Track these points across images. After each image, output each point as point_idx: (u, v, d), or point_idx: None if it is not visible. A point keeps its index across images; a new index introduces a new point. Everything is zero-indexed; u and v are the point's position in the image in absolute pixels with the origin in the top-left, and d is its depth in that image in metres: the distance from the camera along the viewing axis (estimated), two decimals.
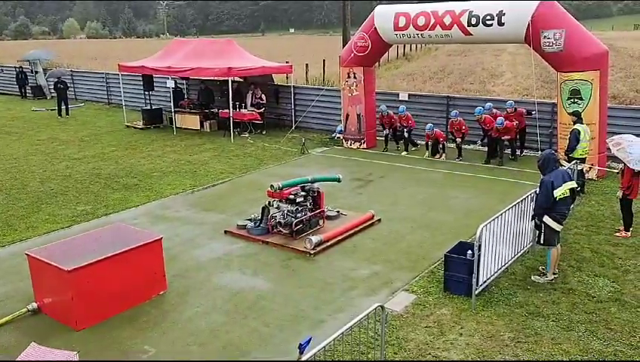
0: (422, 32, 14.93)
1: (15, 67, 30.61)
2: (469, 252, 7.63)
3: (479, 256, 7.26)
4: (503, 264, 8.19)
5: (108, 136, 19.35)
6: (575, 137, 11.51)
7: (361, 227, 10.35)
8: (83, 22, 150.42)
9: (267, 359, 6.42)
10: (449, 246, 8.38)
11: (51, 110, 24.26)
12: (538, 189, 8.10)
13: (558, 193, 7.87)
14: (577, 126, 11.65)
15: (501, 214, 7.75)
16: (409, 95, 18.41)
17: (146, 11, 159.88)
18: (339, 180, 11.09)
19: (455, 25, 14.28)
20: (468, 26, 14.11)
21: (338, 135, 17.85)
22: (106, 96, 26.89)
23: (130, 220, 10.75)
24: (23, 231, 10.50)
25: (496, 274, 7.98)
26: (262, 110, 19.71)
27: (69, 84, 24.80)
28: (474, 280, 7.33)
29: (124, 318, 7.29)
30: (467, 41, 15.19)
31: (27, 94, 29.69)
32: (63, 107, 23.62)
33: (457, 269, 7.73)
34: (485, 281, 7.66)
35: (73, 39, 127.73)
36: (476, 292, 7.42)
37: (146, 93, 21.91)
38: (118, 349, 6.69)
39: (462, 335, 6.81)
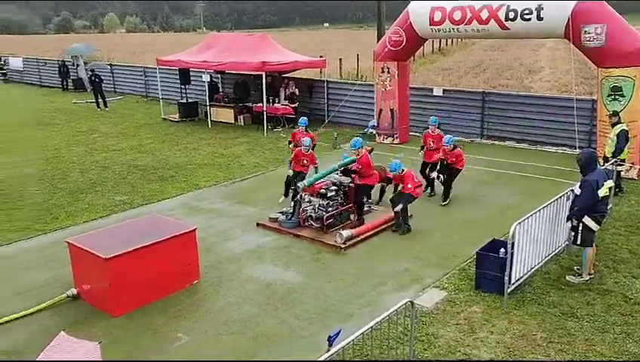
0: (458, 27, 14.73)
1: (57, 60, 31.53)
2: (502, 250, 7.54)
3: (512, 254, 7.17)
4: (537, 263, 8.06)
5: (145, 129, 19.77)
6: (625, 137, 11.20)
7: (392, 223, 10.33)
8: (122, 16, 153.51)
9: (275, 359, 6.51)
10: (481, 243, 8.29)
11: (90, 102, 24.93)
12: (579, 189, 7.91)
13: (602, 192, 7.70)
14: (622, 126, 11.33)
15: (536, 212, 7.63)
16: (444, 90, 18.20)
17: (183, 7, 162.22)
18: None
19: (492, 19, 14.04)
20: (505, 20, 13.86)
21: (371, 130, 17.80)
22: (144, 90, 27.45)
23: (166, 211, 10.99)
24: (63, 220, 10.86)
25: (529, 273, 7.87)
26: (295, 104, 19.81)
27: (103, 77, 25.36)
28: (506, 278, 7.25)
29: (158, 306, 7.49)
30: (504, 35, 14.92)
31: (69, 87, 30.54)
32: (101, 100, 24.24)
33: (489, 267, 7.65)
34: (518, 280, 7.56)
35: (113, 33, 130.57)
36: (508, 290, 7.33)
37: (183, 86, 22.27)
38: (152, 336, 6.88)
39: (493, 333, 6.76)
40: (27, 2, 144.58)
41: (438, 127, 12.42)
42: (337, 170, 10.55)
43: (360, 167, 10.23)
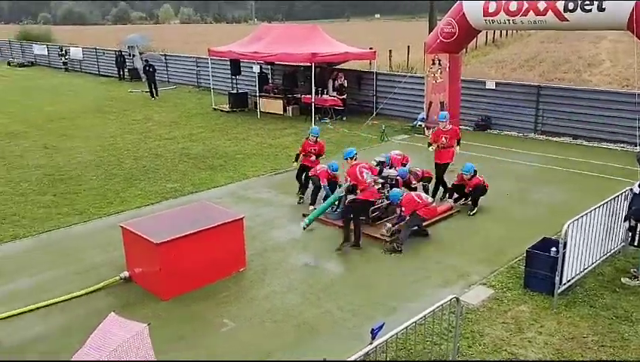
0: (513, 18, 14.29)
1: (115, 51, 32.60)
2: (554, 249, 7.32)
3: (564, 253, 6.95)
4: (590, 263, 7.78)
5: (196, 118, 20.20)
6: None
7: (439, 217, 10.19)
8: (177, 8, 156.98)
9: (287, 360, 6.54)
10: (531, 241, 8.06)
11: (145, 92, 25.68)
12: (639, 188, 7.56)
13: None
14: None
15: (591, 211, 7.35)
16: (496, 83, 17.74)
17: None
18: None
19: (550, 10, 13.54)
20: (564, 11, 13.34)
21: (420, 123, 17.57)
22: (196, 80, 28.02)
23: (215, 199, 11.23)
24: (117, 205, 11.28)
25: (581, 274, 7.61)
26: (344, 96, 19.77)
27: (157, 67, 26.02)
28: (557, 278, 7.04)
29: (205, 292, 7.68)
30: (562, 27, 14.38)
31: (125, 76, 31.54)
32: (153, 89, 24.92)
33: (540, 266, 7.44)
34: (569, 280, 7.33)
35: (168, 24, 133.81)
36: (559, 291, 7.12)
37: (233, 77, 22.60)
38: (199, 320, 7.07)
39: (541, 334, 6.58)
40: None
41: (449, 123, 11.40)
42: (336, 200, 9.75)
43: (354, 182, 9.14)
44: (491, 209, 10.78)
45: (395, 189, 9.89)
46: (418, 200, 9.37)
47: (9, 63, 41.51)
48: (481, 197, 10.70)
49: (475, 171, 10.64)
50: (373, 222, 9.78)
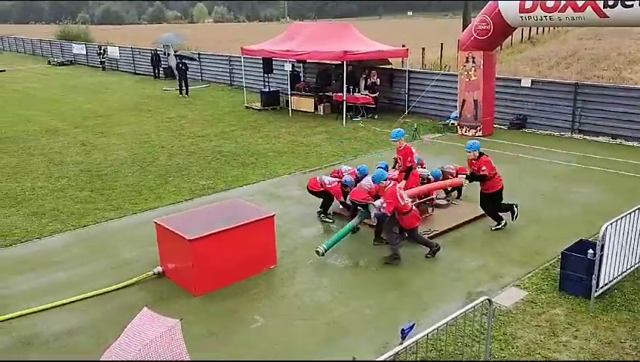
0: (550, 15, 13.96)
1: (150, 49, 33.22)
2: (590, 251, 7.14)
3: (601, 256, 6.76)
4: (629, 267, 7.55)
5: (229, 116, 20.41)
6: None
7: (475, 216, 10.04)
8: (211, 7, 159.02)
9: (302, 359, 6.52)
10: (567, 243, 7.87)
11: (177, 89, 26.09)
12: None
13: None
14: None
15: (630, 213, 7.13)
16: (532, 81, 17.37)
17: None
18: (353, 230, 9.21)
19: (589, 6, 13.17)
20: (604, 7, 12.95)
21: (452, 121, 17.35)
22: (229, 78, 28.32)
23: (246, 196, 11.32)
24: (151, 201, 11.49)
25: (619, 277, 7.39)
26: (376, 94, 19.68)
27: (189, 66, 26.40)
28: (594, 281, 6.85)
29: (236, 288, 7.76)
30: (602, 24, 13.94)
31: (160, 75, 32.13)
32: (184, 87, 25.30)
33: (576, 268, 7.26)
34: (607, 284, 7.13)
35: (202, 23, 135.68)
36: (595, 294, 6.93)
37: (265, 75, 22.75)
38: (230, 316, 7.15)
39: (576, 338, 6.42)
40: None
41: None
42: (355, 226, 9.14)
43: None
44: (526, 209, 10.55)
45: (381, 170, 8.96)
46: (401, 200, 8.35)
47: (49, 62, 42.80)
48: (499, 201, 9.46)
49: (481, 153, 9.44)
50: None
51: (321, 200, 10.24)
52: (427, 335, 4.89)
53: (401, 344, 4.91)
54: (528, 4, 14.22)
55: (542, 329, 6.62)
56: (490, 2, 15.29)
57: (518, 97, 17.33)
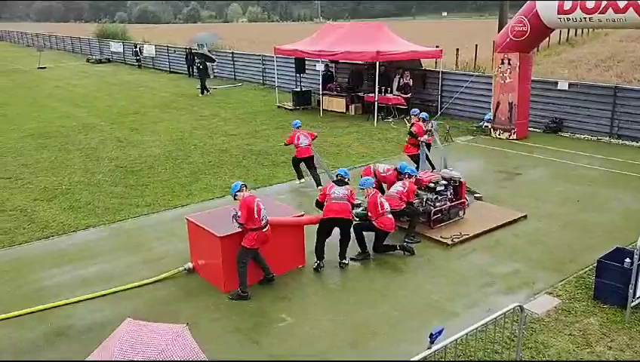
0: (590, 16, 13.60)
1: (185, 48, 33.72)
2: (627, 260, 6.93)
3: (639, 265, 6.55)
4: None
5: (261, 115, 20.56)
6: None
7: (505, 221, 9.88)
8: (245, 6, 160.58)
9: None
10: (603, 251, 7.66)
11: (214, 88, 26.40)
12: None
13: None
14: None
15: None
16: (569, 84, 16.97)
17: None
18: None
19: (631, 7, 12.78)
20: None
21: (486, 124, 17.09)
22: (261, 78, 28.52)
23: (276, 195, 11.39)
24: (183, 198, 11.67)
25: None
26: (408, 95, 19.53)
27: (214, 67, 26.79)
28: (630, 291, 6.66)
29: (265, 287, 7.80)
30: None
31: (194, 73, 32.56)
32: (202, 86, 25.73)
33: (611, 277, 7.06)
34: None
35: (236, 23, 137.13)
36: (632, 304, 6.74)
37: (298, 75, 22.83)
38: (258, 314, 7.20)
39: (611, 348, 6.25)
40: None
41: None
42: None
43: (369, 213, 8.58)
44: (561, 215, 10.33)
45: (367, 178, 8.91)
46: (380, 209, 8.42)
47: (88, 60, 43.87)
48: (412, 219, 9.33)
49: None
50: (434, 224, 9.62)
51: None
52: (456, 340, 4.83)
53: (430, 348, 4.85)
54: (567, 5, 13.89)
55: (575, 338, 6.46)
56: (527, 3, 14.99)
57: (554, 100, 16.96)
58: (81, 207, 11.22)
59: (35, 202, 11.51)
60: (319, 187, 11.06)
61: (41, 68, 38.53)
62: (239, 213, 7.38)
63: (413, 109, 13.50)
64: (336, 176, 8.81)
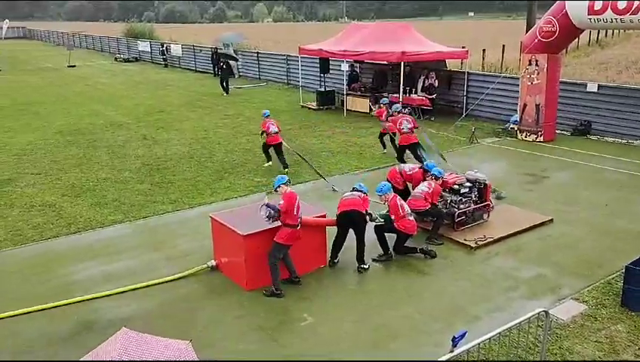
0: (621, 17, 13.31)
1: (211, 48, 34.05)
2: None
3: None
4: None
5: (285, 115, 20.62)
6: None
7: (530, 225, 9.73)
8: (270, 6, 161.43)
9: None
10: (631, 256, 7.49)
11: (238, 88, 26.58)
12: None
13: None
14: None
15: None
16: (599, 86, 16.63)
17: None
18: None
19: None
20: None
21: (512, 125, 16.85)
22: (286, 77, 28.62)
23: (300, 194, 11.36)
24: (207, 196, 11.77)
25: None
26: (433, 96, 19.38)
27: (240, 65, 26.95)
28: None
29: (287, 286, 7.81)
30: None
31: (219, 73, 32.85)
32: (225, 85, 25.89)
33: None
34: None
35: (261, 23, 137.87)
36: None
37: (322, 75, 22.85)
38: (280, 313, 7.23)
39: (639, 356, 6.10)
40: None
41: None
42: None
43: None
44: (588, 219, 10.13)
45: (384, 183, 8.86)
46: (401, 211, 8.42)
47: (116, 59, 44.65)
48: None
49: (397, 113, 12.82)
50: (457, 226, 9.53)
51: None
52: (479, 344, 4.78)
53: (452, 352, 4.82)
54: (598, 6, 13.62)
55: (601, 345, 6.33)
56: (557, 3, 14.74)
57: (583, 102, 16.65)
58: (107, 203, 11.42)
59: (64, 198, 11.75)
60: (286, 169, 12.73)
61: (70, 66, 39.33)
62: (281, 202, 7.51)
63: (382, 98, 15.97)
64: (352, 188, 8.78)
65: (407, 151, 13.41)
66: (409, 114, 15.51)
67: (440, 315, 7.09)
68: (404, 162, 12.17)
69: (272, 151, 13.67)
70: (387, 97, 17.18)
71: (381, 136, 14.85)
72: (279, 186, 7.88)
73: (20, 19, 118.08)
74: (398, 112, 13.89)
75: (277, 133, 13.53)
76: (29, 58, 48.35)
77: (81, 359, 4.80)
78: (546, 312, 5.38)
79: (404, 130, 13.08)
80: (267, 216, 7.57)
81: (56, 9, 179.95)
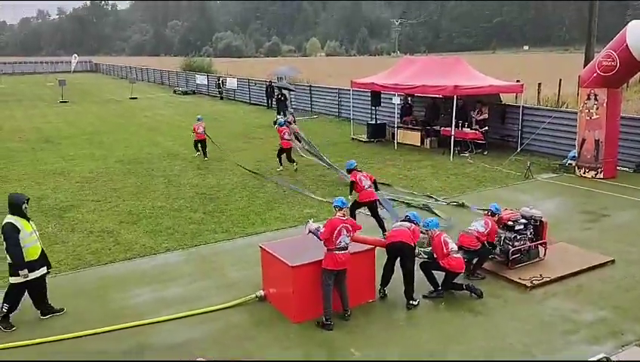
0: None
1: (265, 81, 35.00)
2: None
3: None
4: None
5: (335, 147, 20.78)
6: None
7: (590, 265, 9.31)
8: (324, 41, 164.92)
9: None
10: None
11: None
12: None
13: None
14: None
15: None
16: None
17: (379, 30, 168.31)
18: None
19: None
20: None
21: (570, 161, 16.33)
22: (337, 110, 28.95)
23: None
24: (258, 226, 11.93)
25: None
26: (485, 129, 19.09)
27: (294, 97, 27.44)
28: None
29: (335, 319, 7.73)
30: None
31: (273, 105, 33.62)
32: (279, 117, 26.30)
33: None
34: None
35: (314, 57, 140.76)
36: None
37: (373, 108, 22.98)
38: (326, 346, 7.16)
39: None
40: (246, 29, 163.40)
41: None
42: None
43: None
44: None
45: (432, 219, 8.81)
46: (445, 249, 8.27)
47: (174, 91, 46.51)
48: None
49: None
50: (512, 264, 9.22)
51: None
52: None
53: None
54: None
55: None
56: (617, 37, 14.37)
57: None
58: (162, 231, 11.74)
59: (121, 225, 12.18)
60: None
61: (132, 98, 41.26)
62: (322, 229, 7.72)
63: (279, 120, 19.14)
64: (405, 217, 8.70)
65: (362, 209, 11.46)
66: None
67: (492, 356, 6.82)
68: (355, 218, 10.36)
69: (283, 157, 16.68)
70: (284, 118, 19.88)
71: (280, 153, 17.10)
72: (335, 207, 8.06)
73: (88, 54, 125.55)
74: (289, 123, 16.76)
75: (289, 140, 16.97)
76: (95, 90, 51.12)
77: None
78: (608, 359, 5.11)
79: (366, 187, 11.09)
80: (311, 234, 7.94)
81: (120, 44, 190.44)
